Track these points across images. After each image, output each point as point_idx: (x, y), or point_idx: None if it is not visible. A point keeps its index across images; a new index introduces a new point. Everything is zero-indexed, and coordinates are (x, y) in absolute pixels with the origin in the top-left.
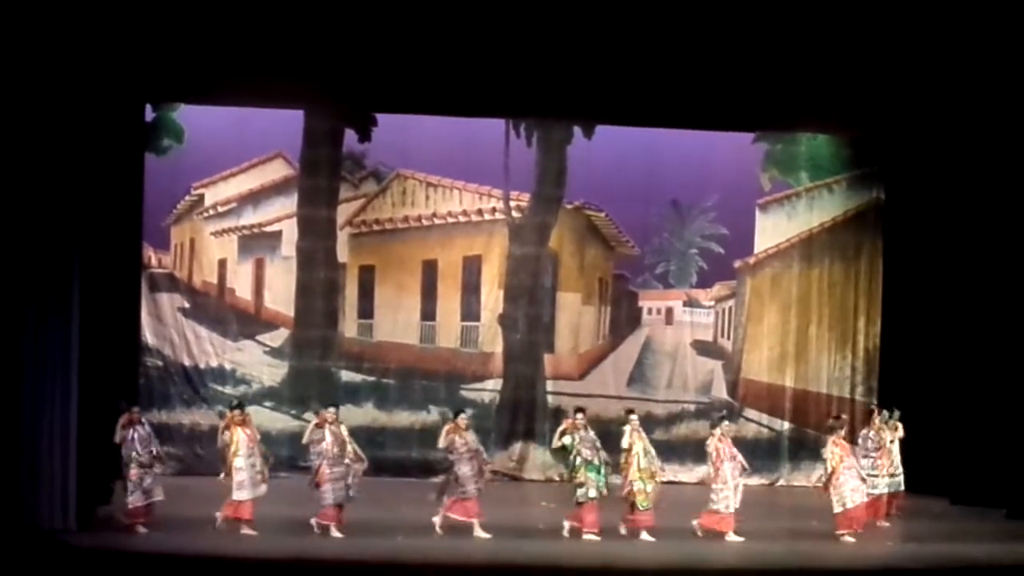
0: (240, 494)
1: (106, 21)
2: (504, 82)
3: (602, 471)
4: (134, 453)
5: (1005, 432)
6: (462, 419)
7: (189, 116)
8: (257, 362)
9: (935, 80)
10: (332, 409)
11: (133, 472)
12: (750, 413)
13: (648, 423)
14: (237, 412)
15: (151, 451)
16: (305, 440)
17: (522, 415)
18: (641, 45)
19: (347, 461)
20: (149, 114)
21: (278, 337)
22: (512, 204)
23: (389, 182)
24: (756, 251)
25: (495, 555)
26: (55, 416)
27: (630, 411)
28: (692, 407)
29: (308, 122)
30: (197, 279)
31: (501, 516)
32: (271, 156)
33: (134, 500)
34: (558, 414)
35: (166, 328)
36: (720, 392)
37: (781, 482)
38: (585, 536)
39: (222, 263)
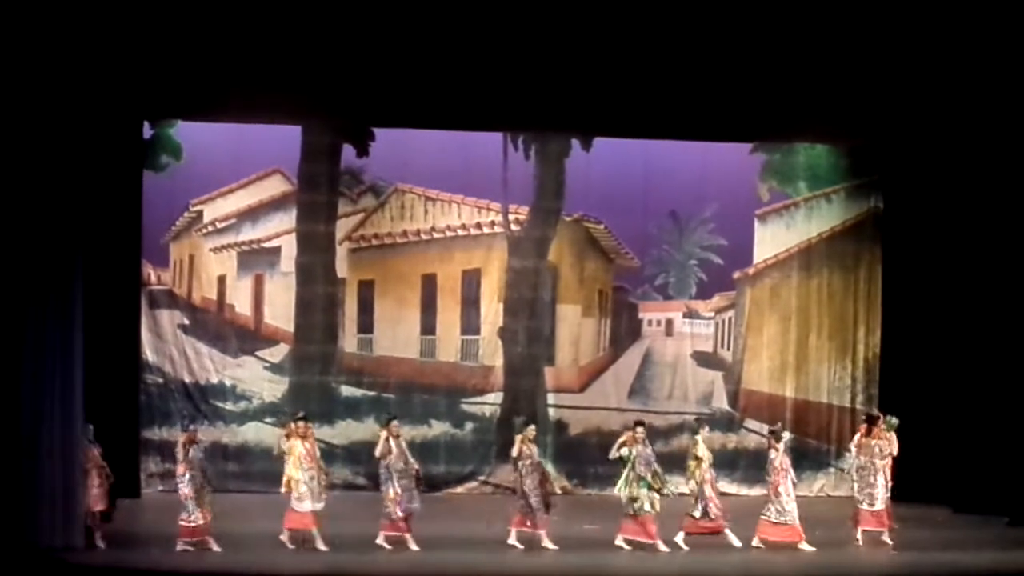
0: (301, 505)
1: (103, 38)
2: (502, 95)
3: (654, 486)
4: (192, 473)
5: (1006, 440)
6: (531, 431)
7: (187, 133)
8: (257, 378)
9: (933, 89)
10: (396, 422)
11: (189, 491)
12: (751, 424)
13: (649, 435)
14: (300, 424)
15: (203, 470)
16: (378, 454)
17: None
18: (638, 57)
19: (412, 472)
20: (147, 131)
21: (278, 353)
22: (511, 217)
23: (388, 197)
24: (755, 261)
25: (496, 569)
26: (56, 433)
27: (699, 421)
28: (693, 418)
29: (306, 138)
30: (196, 295)
31: (503, 529)
32: (269, 172)
33: (194, 518)
34: (560, 427)
35: (166, 345)
36: (721, 403)
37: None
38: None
39: (221, 279)
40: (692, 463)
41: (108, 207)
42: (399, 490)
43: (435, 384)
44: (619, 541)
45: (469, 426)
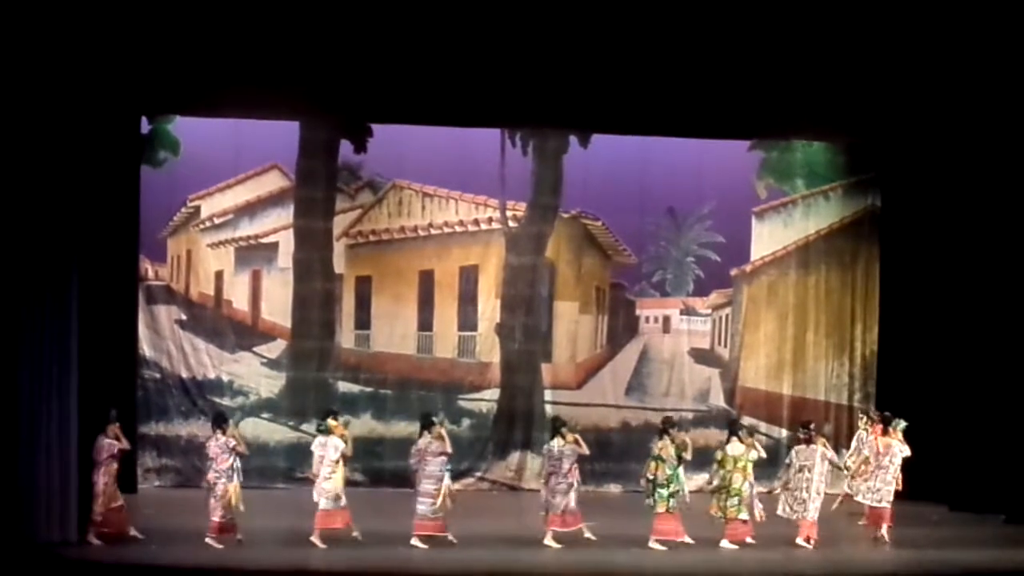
0: (328, 504)
1: (101, 34)
2: (499, 92)
3: (681, 479)
4: (225, 467)
5: (1003, 438)
6: (572, 435)
7: (185, 128)
8: (254, 373)
9: (931, 87)
10: (438, 421)
11: (220, 487)
12: (748, 421)
13: (646, 432)
14: (340, 421)
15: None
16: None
17: (520, 425)
18: (636, 54)
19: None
20: (145, 127)
21: (275, 348)
22: (508, 214)
23: (385, 193)
24: (752, 259)
25: (492, 566)
26: (53, 429)
27: (736, 421)
28: (690, 415)
29: (304, 133)
30: (194, 291)
31: (500, 526)
32: (267, 168)
33: (227, 515)
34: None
35: (163, 340)
36: (718, 400)
37: (779, 490)
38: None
39: (219, 275)
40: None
41: (105, 202)
42: (452, 486)
43: (432, 380)
44: (652, 543)
45: (466, 422)
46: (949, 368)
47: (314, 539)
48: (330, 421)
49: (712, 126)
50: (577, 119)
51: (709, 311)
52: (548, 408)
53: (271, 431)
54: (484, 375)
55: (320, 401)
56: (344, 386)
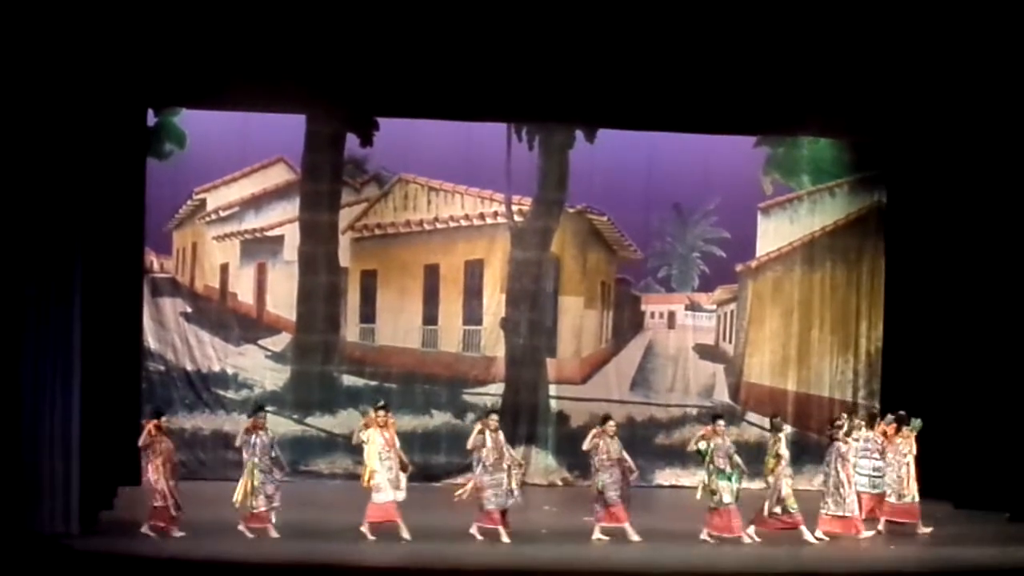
0: (379, 496)
1: (108, 26)
2: (506, 86)
3: (733, 478)
4: (256, 459)
5: (1008, 435)
6: (610, 426)
7: (191, 121)
8: (259, 366)
9: (937, 84)
10: (495, 416)
11: (254, 476)
12: (752, 417)
13: (650, 427)
14: (381, 413)
15: (271, 456)
16: (470, 446)
17: (524, 419)
18: (643, 49)
19: (506, 466)
20: (151, 119)
21: (280, 341)
22: (514, 208)
23: (391, 186)
24: (758, 255)
25: (500, 559)
26: (57, 421)
27: (776, 418)
28: (694, 411)
29: (310, 127)
30: (199, 284)
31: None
32: (273, 161)
33: (257, 505)
34: (561, 418)
35: (168, 333)
36: (722, 396)
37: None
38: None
39: (224, 268)
40: (772, 460)
41: (111, 195)
42: (486, 483)
43: (437, 374)
44: (704, 536)
45: (470, 417)
46: (954, 365)
47: (363, 529)
48: (371, 412)
49: (718, 122)
50: (583, 114)
51: (714, 307)
52: (553, 403)
53: (275, 424)
54: (489, 369)
55: (324, 394)
56: (349, 380)
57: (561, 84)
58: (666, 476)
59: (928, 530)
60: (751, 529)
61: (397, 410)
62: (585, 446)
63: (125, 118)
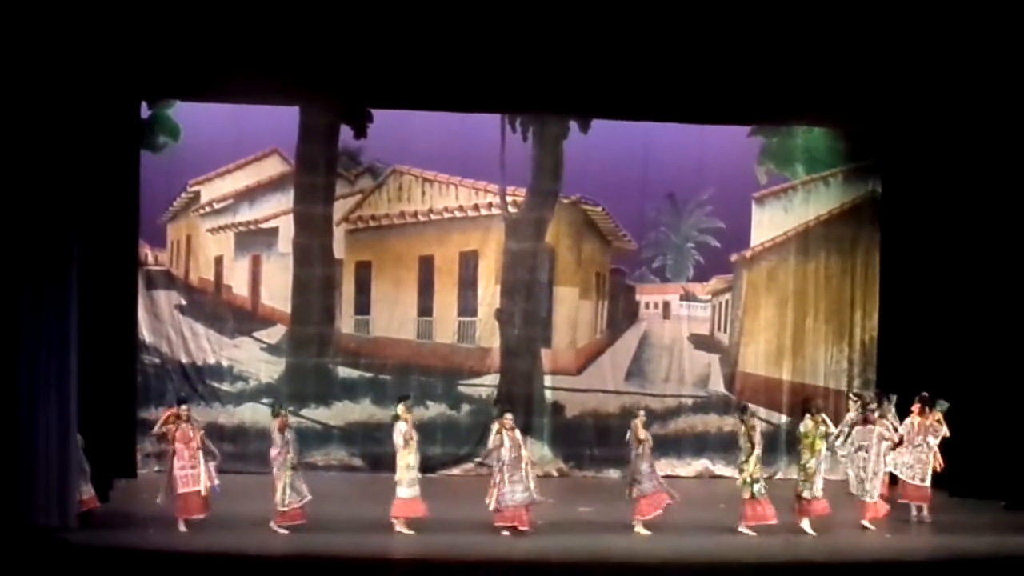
0: (404, 492)
1: (101, 18)
2: (500, 77)
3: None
4: (291, 455)
5: (1003, 424)
6: (642, 417)
7: (185, 113)
8: (254, 359)
9: (932, 73)
10: (510, 416)
11: (287, 474)
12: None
13: (646, 417)
14: (404, 407)
15: (299, 451)
16: (490, 446)
17: (519, 410)
18: (636, 39)
19: (524, 464)
20: (145, 111)
21: (275, 334)
22: (508, 199)
23: (385, 178)
24: (752, 244)
25: (489, 551)
26: (52, 414)
27: (808, 404)
28: (690, 401)
29: (304, 119)
30: (194, 276)
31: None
32: (267, 153)
33: (290, 501)
34: (556, 409)
35: (163, 325)
36: (717, 386)
37: (779, 475)
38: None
39: (218, 260)
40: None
41: (105, 187)
42: (503, 481)
43: (432, 366)
44: (742, 528)
45: (466, 408)
46: (949, 354)
47: (398, 527)
48: (399, 407)
49: (712, 112)
50: (577, 104)
51: (709, 297)
52: (548, 394)
53: (271, 416)
54: (484, 360)
55: (319, 386)
56: (344, 371)
57: (555, 75)
58: (662, 466)
59: (928, 519)
60: (805, 522)
61: (392, 402)
62: (629, 437)
63: (118, 111)
